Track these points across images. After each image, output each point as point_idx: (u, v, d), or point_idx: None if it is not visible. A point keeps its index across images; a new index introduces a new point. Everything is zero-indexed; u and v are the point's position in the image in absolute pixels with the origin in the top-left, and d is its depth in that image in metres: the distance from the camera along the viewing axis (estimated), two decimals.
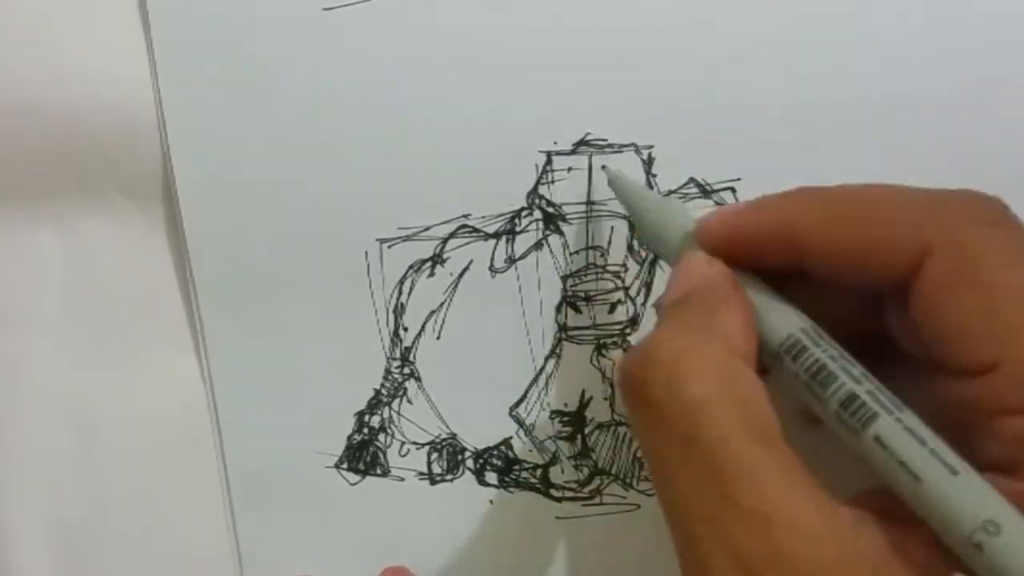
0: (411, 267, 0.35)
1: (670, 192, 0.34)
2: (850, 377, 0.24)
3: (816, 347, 0.25)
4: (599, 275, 0.34)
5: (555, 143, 0.34)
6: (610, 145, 0.34)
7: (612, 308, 0.34)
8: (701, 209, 0.29)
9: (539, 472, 0.35)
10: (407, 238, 0.34)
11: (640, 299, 0.34)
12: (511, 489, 0.35)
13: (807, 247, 0.26)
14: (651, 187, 0.34)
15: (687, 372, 0.24)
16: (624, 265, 0.34)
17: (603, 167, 0.33)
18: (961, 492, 0.22)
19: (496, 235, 0.34)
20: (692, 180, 0.34)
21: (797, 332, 0.26)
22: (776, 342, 0.26)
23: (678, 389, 0.23)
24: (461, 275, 0.35)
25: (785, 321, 0.26)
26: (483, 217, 0.34)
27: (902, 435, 0.23)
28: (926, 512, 0.23)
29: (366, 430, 0.35)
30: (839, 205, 0.26)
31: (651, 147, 0.34)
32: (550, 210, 0.34)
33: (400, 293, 0.35)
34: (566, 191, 0.34)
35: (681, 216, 0.29)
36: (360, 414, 0.35)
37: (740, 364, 0.24)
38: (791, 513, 0.22)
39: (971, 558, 0.22)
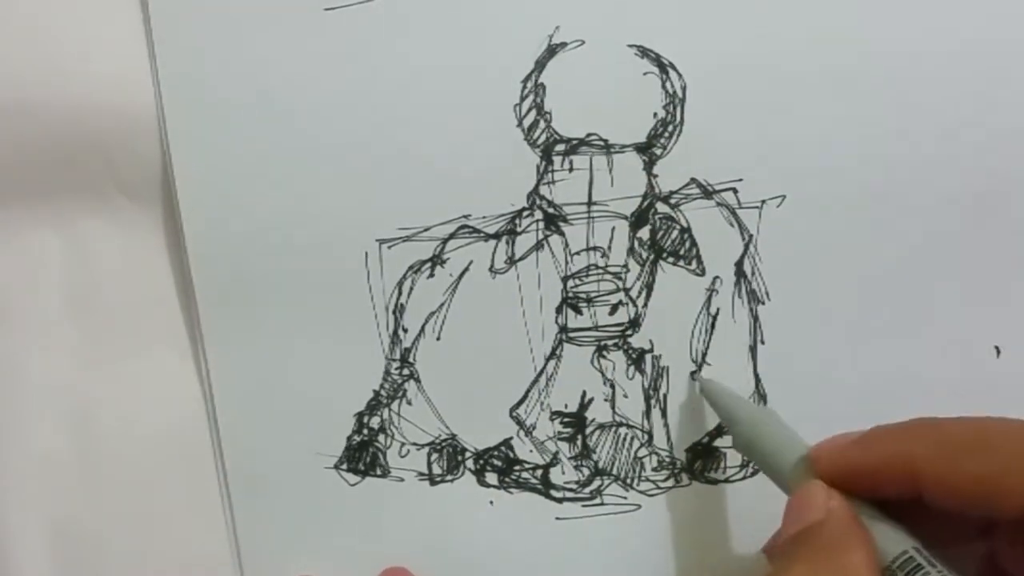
0: (411, 268, 0.35)
1: (671, 192, 0.34)
2: None
3: (931, 567, 0.26)
4: (600, 276, 0.34)
5: (556, 143, 0.34)
6: (612, 145, 0.34)
7: (613, 310, 0.34)
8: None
9: (539, 473, 0.35)
10: (407, 238, 0.34)
11: (641, 301, 0.34)
12: (511, 490, 0.35)
13: (926, 481, 0.26)
14: (652, 187, 0.34)
15: None
16: (625, 266, 0.34)
17: (692, 375, 0.34)
18: None
19: (496, 235, 0.34)
20: (693, 180, 0.34)
21: (910, 550, 0.26)
22: (887, 561, 0.26)
23: None
24: (461, 276, 0.35)
25: (895, 540, 0.26)
26: (483, 217, 0.34)
27: None
28: None
29: (366, 431, 0.35)
30: (957, 439, 0.26)
31: (652, 147, 0.34)
32: (551, 210, 0.34)
33: (400, 294, 0.35)
34: (567, 191, 0.34)
35: (778, 427, 0.30)
36: (360, 415, 0.35)
37: None
38: None
39: None
